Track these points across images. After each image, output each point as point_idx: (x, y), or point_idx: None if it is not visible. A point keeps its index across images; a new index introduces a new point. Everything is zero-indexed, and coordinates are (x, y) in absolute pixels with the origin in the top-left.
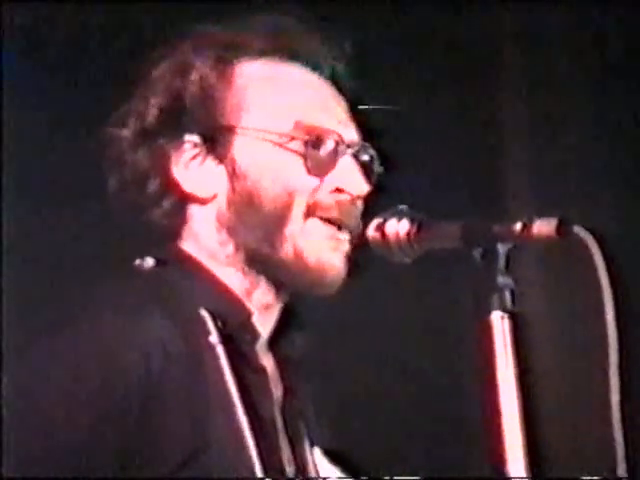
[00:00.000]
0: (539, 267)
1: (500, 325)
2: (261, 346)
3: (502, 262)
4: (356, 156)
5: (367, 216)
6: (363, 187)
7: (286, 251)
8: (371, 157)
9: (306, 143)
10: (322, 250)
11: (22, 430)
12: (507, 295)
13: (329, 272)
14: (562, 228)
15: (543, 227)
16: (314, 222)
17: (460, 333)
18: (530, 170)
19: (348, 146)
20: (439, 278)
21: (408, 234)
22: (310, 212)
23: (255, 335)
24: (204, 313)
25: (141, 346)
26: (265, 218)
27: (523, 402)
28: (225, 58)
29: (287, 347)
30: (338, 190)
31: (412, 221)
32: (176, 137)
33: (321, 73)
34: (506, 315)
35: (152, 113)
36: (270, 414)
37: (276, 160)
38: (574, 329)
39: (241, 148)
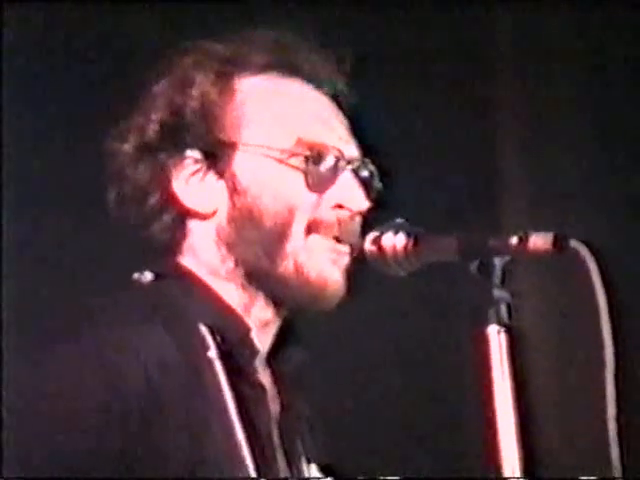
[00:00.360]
0: (535, 281)
1: (496, 339)
2: (259, 362)
3: (498, 276)
4: (356, 172)
5: (366, 231)
6: (363, 203)
7: (286, 267)
8: (371, 173)
9: (307, 159)
10: (323, 264)
11: (21, 443)
12: (503, 309)
13: (330, 286)
14: (559, 242)
15: (539, 241)
16: (315, 238)
17: (457, 347)
18: (527, 184)
19: (348, 162)
20: (435, 292)
21: (405, 248)
22: (312, 229)
23: (254, 350)
24: (203, 328)
25: (140, 359)
26: (265, 234)
27: (520, 416)
28: (226, 73)
29: (285, 363)
30: (338, 206)
31: (409, 235)
32: (177, 152)
33: (321, 89)
34: (502, 329)
35: (153, 128)
36: (267, 430)
37: (277, 176)
38: (571, 343)
39: (242, 164)
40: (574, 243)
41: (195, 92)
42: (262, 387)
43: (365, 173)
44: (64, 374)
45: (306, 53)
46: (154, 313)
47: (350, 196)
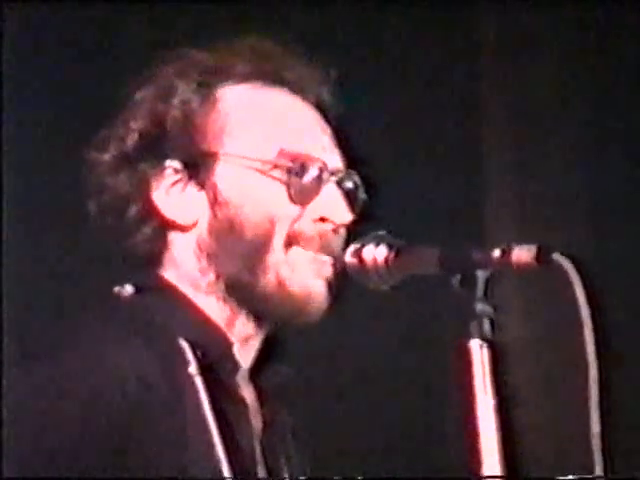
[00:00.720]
0: (518, 294)
1: (479, 353)
2: (242, 377)
3: (481, 289)
4: (340, 184)
5: (350, 243)
6: (346, 216)
7: (268, 280)
8: (355, 185)
9: (289, 171)
10: (306, 277)
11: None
12: (486, 323)
13: (313, 299)
14: (541, 255)
15: (522, 254)
16: (296, 250)
17: (439, 361)
18: (511, 197)
19: (332, 173)
20: (417, 305)
21: (386, 260)
22: (291, 241)
23: (235, 366)
24: (183, 343)
25: (118, 376)
26: (246, 246)
27: (502, 431)
28: (208, 82)
29: (268, 378)
30: (321, 219)
31: (390, 247)
32: (157, 162)
33: (306, 98)
34: (485, 343)
35: (133, 137)
36: (249, 446)
37: (258, 187)
38: (554, 357)
39: (223, 174)
40: (557, 256)
41: (176, 101)
42: (244, 403)
43: (350, 184)
44: (43, 391)
45: (290, 62)
46: (134, 328)
47: (333, 209)
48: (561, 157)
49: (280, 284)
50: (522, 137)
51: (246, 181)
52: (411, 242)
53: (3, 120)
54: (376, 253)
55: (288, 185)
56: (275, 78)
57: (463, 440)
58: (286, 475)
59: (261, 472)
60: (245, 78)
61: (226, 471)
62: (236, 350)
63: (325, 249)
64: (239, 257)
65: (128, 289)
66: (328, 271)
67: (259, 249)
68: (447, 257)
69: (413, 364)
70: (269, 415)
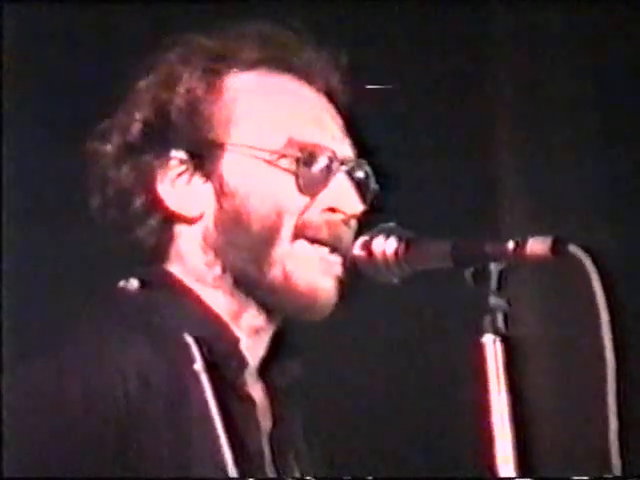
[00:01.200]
0: (533, 288)
1: (493, 348)
2: (250, 374)
3: (494, 282)
4: (350, 173)
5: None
6: (357, 206)
7: (275, 274)
8: (366, 174)
9: (298, 160)
10: (313, 273)
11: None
12: (500, 317)
13: (320, 296)
14: (557, 247)
15: (537, 246)
16: (302, 244)
17: (453, 357)
18: (526, 188)
19: (342, 163)
20: (429, 300)
21: (396, 253)
22: (298, 233)
23: (243, 362)
24: (189, 339)
25: (119, 373)
26: (253, 239)
27: (517, 427)
28: (214, 69)
29: (278, 374)
30: (331, 209)
31: (400, 239)
32: (162, 153)
33: (315, 86)
34: (499, 338)
35: (136, 127)
36: (257, 445)
37: (266, 178)
38: (570, 351)
39: (229, 165)
40: (573, 248)
41: (181, 89)
42: (251, 400)
43: (360, 174)
44: (44, 387)
45: (298, 48)
46: (138, 323)
47: (344, 199)
48: (577, 148)
49: (287, 278)
50: (537, 126)
51: (253, 172)
52: (422, 234)
53: (3, 114)
54: (386, 246)
55: (297, 175)
56: (283, 65)
57: (478, 436)
58: (296, 475)
59: (269, 472)
60: (252, 65)
61: (232, 471)
62: (243, 346)
63: (334, 240)
64: (246, 250)
65: (133, 283)
66: (338, 270)
67: (265, 242)
68: (459, 250)
69: (426, 359)
70: (279, 412)
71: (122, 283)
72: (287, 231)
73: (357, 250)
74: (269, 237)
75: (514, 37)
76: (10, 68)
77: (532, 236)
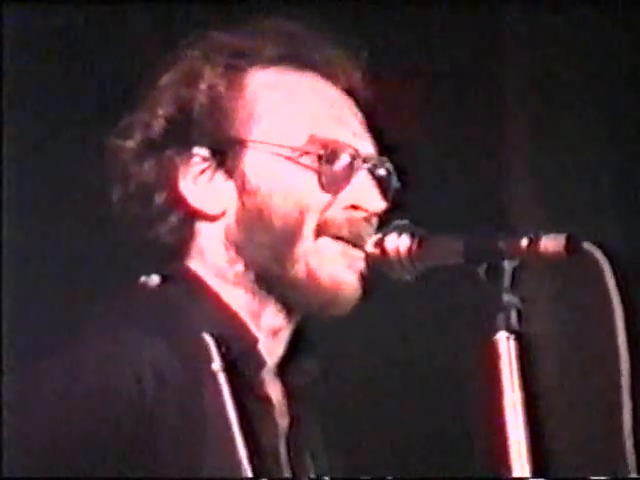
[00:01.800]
0: (547, 285)
1: (506, 346)
2: (268, 373)
3: (508, 279)
4: (372, 171)
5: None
6: (379, 203)
7: (298, 271)
8: (388, 172)
9: (320, 158)
10: (336, 268)
11: (16, 453)
12: (513, 314)
13: (344, 291)
14: (571, 244)
15: (551, 243)
16: (325, 240)
17: (466, 355)
18: (538, 185)
19: (364, 160)
20: (442, 297)
21: (409, 250)
22: (320, 230)
23: (260, 362)
24: (207, 338)
25: (134, 371)
26: (275, 236)
27: (530, 425)
28: (235, 66)
29: (296, 374)
30: (353, 207)
31: (413, 236)
32: (184, 149)
33: (336, 83)
34: (512, 335)
35: (159, 123)
36: (273, 446)
37: (288, 175)
38: (584, 350)
39: (251, 162)
40: (587, 245)
41: (203, 86)
42: (269, 400)
43: (382, 172)
44: (59, 384)
45: (320, 45)
46: (156, 321)
47: (366, 196)
48: (592, 146)
49: (310, 274)
50: (551, 122)
51: (275, 169)
52: (435, 231)
53: (23, 109)
54: (399, 243)
55: (319, 173)
56: (304, 62)
57: (491, 434)
58: (312, 475)
59: (286, 472)
60: (273, 62)
61: (247, 471)
62: (262, 345)
63: (355, 237)
64: (268, 247)
65: (154, 279)
66: (361, 265)
67: (289, 239)
68: (472, 247)
69: (439, 358)
70: (296, 412)
71: (143, 279)
72: (309, 228)
73: (371, 248)
74: (291, 234)
75: (528, 31)
76: (10, 68)
77: (546, 233)
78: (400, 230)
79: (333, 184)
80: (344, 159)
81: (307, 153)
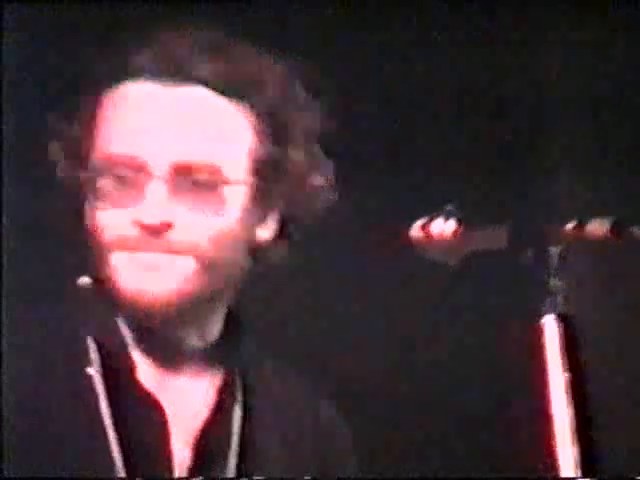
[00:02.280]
0: (593, 270)
1: (553, 330)
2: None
3: (554, 264)
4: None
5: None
6: (155, 217)
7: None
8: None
9: (115, 177)
10: (139, 279)
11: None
12: (560, 299)
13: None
14: (617, 229)
15: (597, 227)
16: (121, 256)
17: (512, 340)
18: (584, 169)
19: (154, 173)
20: (487, 282)
21: (455, 234)
22: (114, 247)
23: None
24: (89, 341)
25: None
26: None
27: (578, 412)
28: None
29: (232, 359)
30: (137, 222)
31: (459, 221)
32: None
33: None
34: (559, 319)
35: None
36: (165, 448)
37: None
38: (632, 334)
39: None
40: (635, 230)
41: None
42: (157, 404)
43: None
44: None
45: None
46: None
47: (145, 209)
48: (638, 128)
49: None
50: (597, 107)
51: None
52: (481, 216)
53: (21, 110)
54: (445, 227)
55: (112, 191)
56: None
57: (537, 421)
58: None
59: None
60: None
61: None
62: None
63: (148, 250)
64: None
65: (85, 280)
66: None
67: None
68: (517, 232)
69: (485, 343)
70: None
71: (80, 281)
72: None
73: (415, 232)
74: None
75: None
76: (10, 68)
77: (592, 217)
78: (446, 215)
79: (125, 200)
80: (136, 174)
81: (102, 174)
